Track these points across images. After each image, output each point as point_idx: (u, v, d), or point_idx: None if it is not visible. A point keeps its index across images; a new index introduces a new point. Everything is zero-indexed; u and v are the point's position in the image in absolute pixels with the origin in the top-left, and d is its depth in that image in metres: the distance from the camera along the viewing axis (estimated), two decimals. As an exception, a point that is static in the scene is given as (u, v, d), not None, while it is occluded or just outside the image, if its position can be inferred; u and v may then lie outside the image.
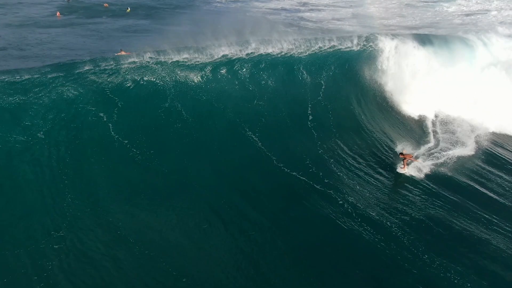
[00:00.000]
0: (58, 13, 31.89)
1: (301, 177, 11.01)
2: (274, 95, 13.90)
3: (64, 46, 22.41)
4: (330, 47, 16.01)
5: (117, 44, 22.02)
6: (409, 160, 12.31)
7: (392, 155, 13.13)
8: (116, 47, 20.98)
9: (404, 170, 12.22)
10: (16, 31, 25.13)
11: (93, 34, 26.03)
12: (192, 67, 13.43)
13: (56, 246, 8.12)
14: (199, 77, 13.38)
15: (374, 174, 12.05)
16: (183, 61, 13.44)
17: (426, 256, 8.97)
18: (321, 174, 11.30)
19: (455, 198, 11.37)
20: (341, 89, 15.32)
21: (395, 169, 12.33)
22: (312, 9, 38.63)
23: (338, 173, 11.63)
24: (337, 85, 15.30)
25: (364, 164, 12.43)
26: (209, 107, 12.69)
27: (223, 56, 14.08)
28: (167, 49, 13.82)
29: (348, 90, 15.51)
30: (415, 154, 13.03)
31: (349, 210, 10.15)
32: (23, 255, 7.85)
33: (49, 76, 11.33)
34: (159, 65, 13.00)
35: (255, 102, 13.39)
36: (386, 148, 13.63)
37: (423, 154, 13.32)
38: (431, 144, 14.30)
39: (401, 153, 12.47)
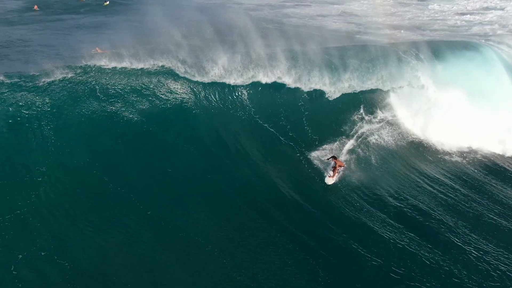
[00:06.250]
0: (36, 6, 31.57)
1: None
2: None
3: (37, 45, 22.04)
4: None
5: (93, 41, 21.40)
6: (340, 168, 11.90)
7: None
8: (91, 45, 20.66)
9: (333, 179, 11.87)
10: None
11: (67, 32, 25.61)
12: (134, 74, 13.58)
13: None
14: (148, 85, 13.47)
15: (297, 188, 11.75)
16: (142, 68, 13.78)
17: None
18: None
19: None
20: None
21: (324, 178, 11.98)
22: (297, 5, 37.96)
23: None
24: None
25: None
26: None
27: (162, 66, 14.21)
28: (138, 52, 14.39)
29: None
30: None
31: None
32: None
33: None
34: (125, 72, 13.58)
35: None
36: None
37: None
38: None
39: (334, 156, 12.07)
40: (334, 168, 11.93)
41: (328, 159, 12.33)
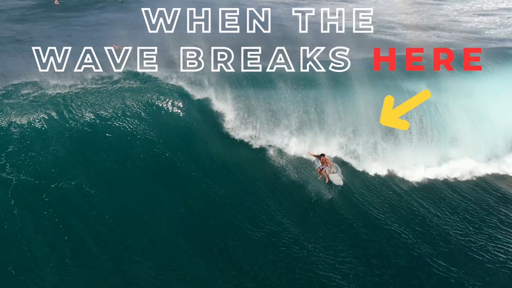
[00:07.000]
0: (56, 1, 32.45)
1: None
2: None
3: (60, 42, 22.64)
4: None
5: (111, 37, 21.65)
6: (327, 167, 11.42)
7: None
8: (109, 41, 21.10)
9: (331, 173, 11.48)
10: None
11: (87, 28, 26.14)
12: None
13: None
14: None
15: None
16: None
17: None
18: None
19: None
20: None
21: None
22: (310, 3, 37.86)
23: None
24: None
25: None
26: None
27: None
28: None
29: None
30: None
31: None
32: None
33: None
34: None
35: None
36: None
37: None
38: None
39: (323, 154, 11.65)
40: (320, 170, 11.41)
41: (315, 156, 11.66)
